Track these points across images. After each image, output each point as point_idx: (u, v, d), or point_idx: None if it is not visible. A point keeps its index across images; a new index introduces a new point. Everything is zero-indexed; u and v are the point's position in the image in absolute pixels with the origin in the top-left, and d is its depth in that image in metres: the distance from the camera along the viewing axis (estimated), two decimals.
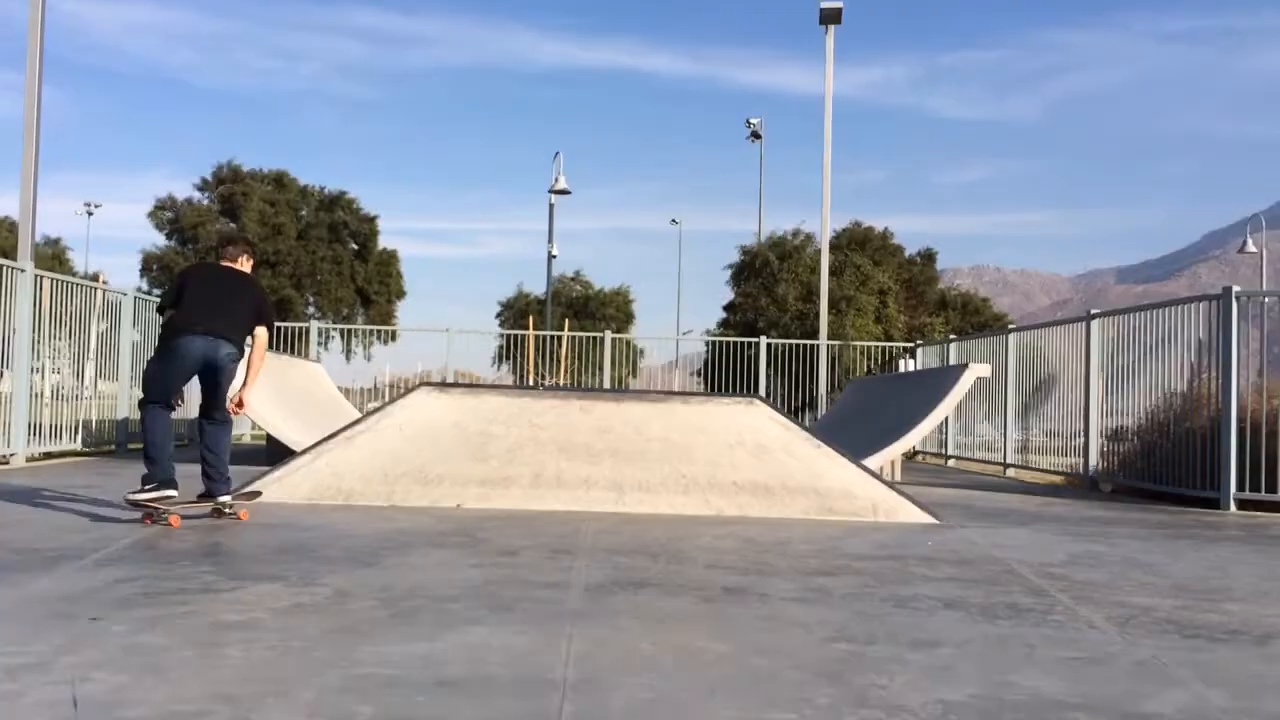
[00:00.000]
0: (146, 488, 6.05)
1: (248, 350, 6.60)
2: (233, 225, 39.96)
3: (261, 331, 6.63)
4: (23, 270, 10.48)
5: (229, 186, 40.18)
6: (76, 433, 11.79)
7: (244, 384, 6.65)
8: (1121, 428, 11.40)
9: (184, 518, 6.22)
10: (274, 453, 10.20)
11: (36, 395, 10.99)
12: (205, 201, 40.75)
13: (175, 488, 6.10)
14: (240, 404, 6.63)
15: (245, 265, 6.91)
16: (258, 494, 6.97)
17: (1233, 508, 9.02)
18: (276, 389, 11.75)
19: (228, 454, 6.61)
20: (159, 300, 6.82)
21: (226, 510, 6.50)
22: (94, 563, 4.80)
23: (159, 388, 6.33)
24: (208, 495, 6.50)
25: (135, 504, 6.05)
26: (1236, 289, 9.33)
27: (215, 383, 6.50)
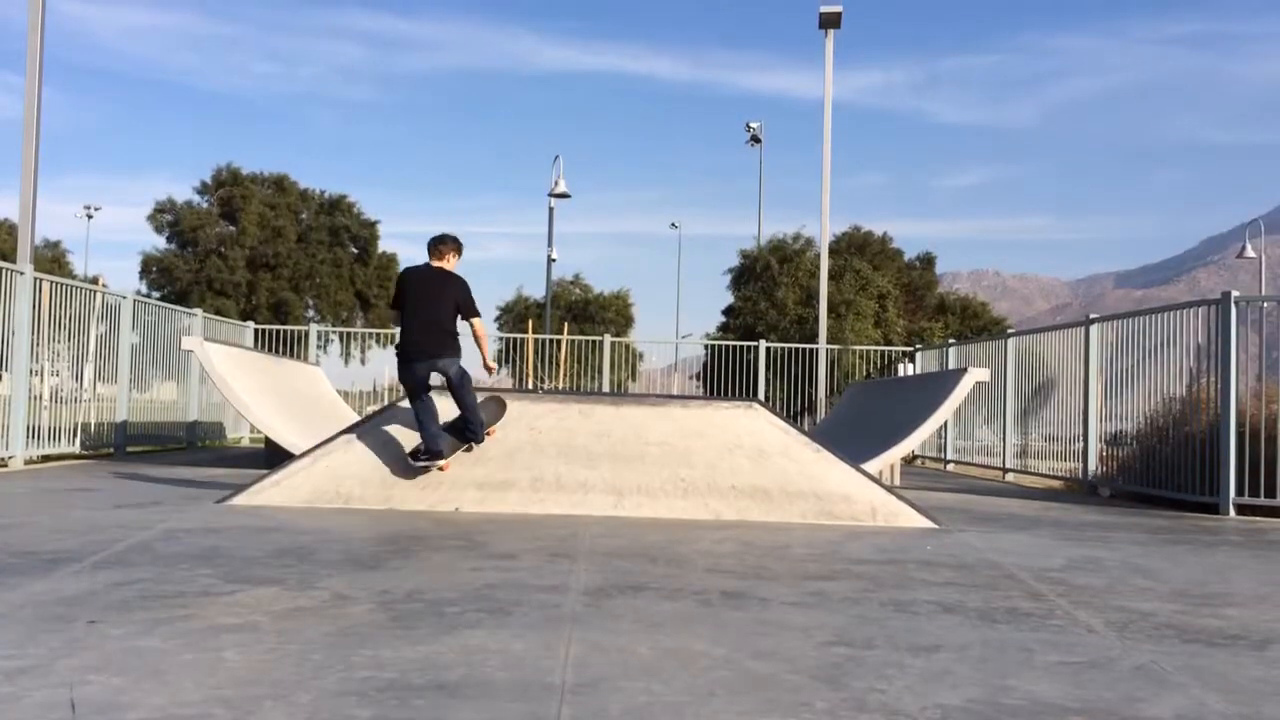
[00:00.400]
0: (420, 460, 7.56)
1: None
2: (232, 228, 40.01)
3: (476, 323, 7.88)
4: (22, 273, 10.48)
5: (228, 190, 40.21)
6: (75, 436, 11.78)
7: (485, 358, 8.14)
8: (1120, 432, 11.41)
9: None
10: (273, 456, 10.19)
11: (35, 398, 10.99)
12: (205, 205, 40.78)
13: (442, 455, 7.59)
14: (491, 370, 8.27)
15: (451, 263, 7.90)
16: (486, 434, 7.87)
17: (1232, 513, 9.02)
18: (275, 392, 11.75)
19: (476, 408, 7.74)
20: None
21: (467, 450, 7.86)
22: (92, 565, 4.80)
23: (407, 393, 7.76)
24: (465, 447, 7.82)
25: (421, 466, 7.59)
26: (1235, 294, 9.34)
27: (448, 379, 7.66)
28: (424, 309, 7.65)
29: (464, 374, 7.74)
